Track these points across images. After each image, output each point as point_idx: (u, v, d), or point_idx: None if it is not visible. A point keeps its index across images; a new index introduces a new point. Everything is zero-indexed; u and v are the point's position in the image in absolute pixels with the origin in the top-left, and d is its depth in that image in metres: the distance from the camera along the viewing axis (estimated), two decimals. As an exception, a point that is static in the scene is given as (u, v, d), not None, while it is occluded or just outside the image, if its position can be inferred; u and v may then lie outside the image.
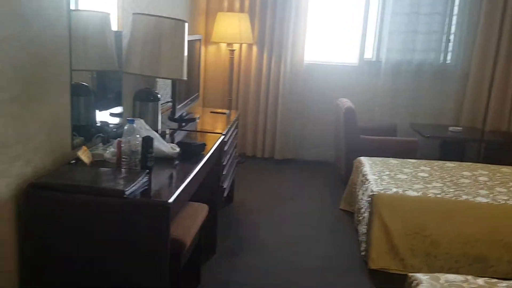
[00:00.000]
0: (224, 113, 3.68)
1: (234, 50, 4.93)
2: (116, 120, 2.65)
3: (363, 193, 3.29)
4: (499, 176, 3.45)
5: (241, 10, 4.99)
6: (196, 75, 3.64)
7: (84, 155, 2.02)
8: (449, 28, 5.05)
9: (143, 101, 2.52)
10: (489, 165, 3.77)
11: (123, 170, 1.94)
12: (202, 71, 5.11)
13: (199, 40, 3.60)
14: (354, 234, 3.44)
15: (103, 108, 2.62)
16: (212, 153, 2.53)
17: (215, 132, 2.99)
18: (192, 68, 3.48)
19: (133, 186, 1.77)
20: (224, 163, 3.07)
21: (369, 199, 3.02)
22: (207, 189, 2.80)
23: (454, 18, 5.02)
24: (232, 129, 3.43)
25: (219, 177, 2.90)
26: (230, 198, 3.85)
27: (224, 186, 3.11)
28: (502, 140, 4.44)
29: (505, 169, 3.68)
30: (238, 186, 4.14)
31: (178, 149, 2.28)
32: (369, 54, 5.27)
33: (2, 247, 1.71)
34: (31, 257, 1.78)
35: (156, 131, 2.51)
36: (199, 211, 2.46)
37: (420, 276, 2.02)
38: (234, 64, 5.05)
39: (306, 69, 5.17)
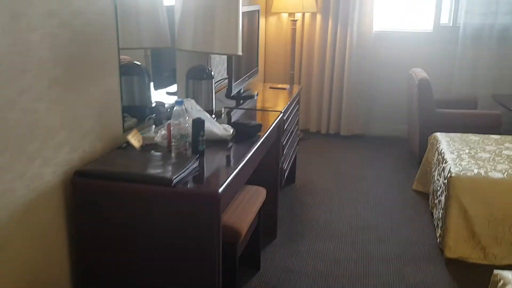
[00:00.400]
0: (284, 88, 3.47)
1: (296, 20, 4.67)
2: (172, 100, 2.54)
3: (440, 174, 2.98)
4: None
5: (303, -23, 4.69)
6: (255, 49, 3.45)
7: (134, 138, 1.92)
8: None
9: (196, 80, 2.38)
10: None
11: (172, 155, 1.82)
12: (262, 44, 4.91)
13: (258, 11, 3.39)
14: (429, 218, 3.15)
15: (158, 87, 2.53)
16: (269, 134, 2.35)
17: (274, 110, 2.80)
18: (250, 42, 3.29)
19: (182, 173, 1.65)
20: (283, 143, 2.88)
21: (447, 181, 2.71)
22: (265, 171, 2.65)
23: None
24: (293, 105, 3.22)
25: (278, 158, 2.72)
26: (292, 178, 3.68)
27: (284, 167, 2.93)
28: None
29: None
30: (300, 165, 3.95)
31: (232, 131, 2.12)
32: (445, 19, 4.78)
33: (52, 235, 1.66)
34: (80, 245, 1.72)
35: (210, 111, 2.38)
36: (257, 195, 2.31)
37: (508, 275, 1.74)
38: (296, 36, 4.79)
39: (375, 38, 4.80)
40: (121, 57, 2.02)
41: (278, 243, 2.81)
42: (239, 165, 1.84)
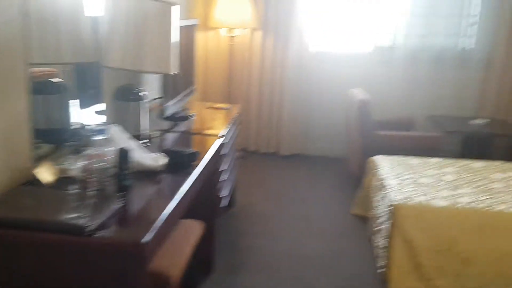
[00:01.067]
0: (224, 108, 3.27)
1: (235, 36, 4.51)
2: (97, 121, 2.25)
3: (381, 201, 2.89)
4: (535, 180, 3.04)
5: (243, -8, 4.55)
6: (191, 66, 3.23)
7: (44, 172, 1.63)
8: (472, 11, 4.58)
9: (123, 101, 2.12)
10: (522, 165, 3.35)
11: (91, 193, 1.55)
12: (202, 60, 4.69)
13: (194, 25, 3.18)
14: (370, 245, 3.05)
15: (85, 105, 2.24)
16: (207, 162, 2.13)
17: (212, 134, 2.58)
18: (187, 59, 3.07)
19: (100, 217, 1.39)
20: (222, 169, 2.67)
21: (389, 209, 2.62)
22: (202, 202, 2.41)
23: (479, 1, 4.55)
24: (233, 127, 3.03)
25: (216, 186, 2.50)
26: (231, 202, 3.47)
27: (223, 196, 2.72)
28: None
29: (540, 169, 3.26)
30: (240, 187, 3.75)
31: (164, 161, 1.88)
32: (384, 40, 4.81)
33: None
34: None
35: (140, 136, 2.12)
36: (192, 231, 2.08)
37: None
38: (236, 52, 4.63)
39: (314, 57, 4.73)
40: (43, 72, 1.74)
41: (215, 278, 2.58)
42: (171, 203, 1.61)
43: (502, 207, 2.55)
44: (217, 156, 2.48)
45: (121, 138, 1.78)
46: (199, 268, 2.47)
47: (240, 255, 2.85)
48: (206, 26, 4.62)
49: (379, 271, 2.69)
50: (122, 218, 1.49)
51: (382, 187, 2.95)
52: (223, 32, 4.67)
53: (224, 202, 2.83)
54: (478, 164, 3.30)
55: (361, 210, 3.48)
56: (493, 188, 2.85)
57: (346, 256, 2.93)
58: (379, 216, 2.88)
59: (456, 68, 4.59)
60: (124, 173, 1.63)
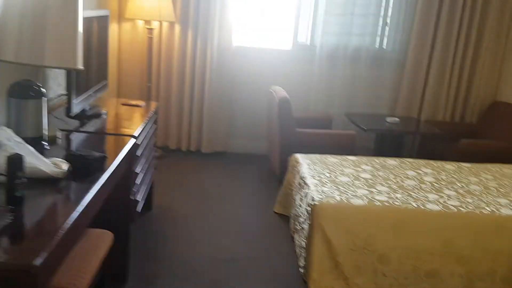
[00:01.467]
0: (139, 106, 3.08)
1: (153, 29, 4.30)
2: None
3: (302, 200, 2.89)
4: (444, 176, 3.19)
5: (161, -18, 4.34)
6: (104, 60, 3.01)
7: None
8: (386, 11, 4.75)
9: (20, 99, 1.89)
10: (431, 161, 3.51)
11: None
12: (115, 53, 4.43)
13: (107, 16, 2.96)
14: (292, 244, 3.03)
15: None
16: (117, 166, 1.96)
17: (124, 134, 2.40)
18: (99, 51, 2.85)
19: (-17, 236, 1.19)
20: (137, 171, 2.51)
21: (309, 209, 2.61)
22: (113, 207, 2.24)
23: (391, 0, 4.71)
24: (149, 126, 2.86)
25: (129, 191, 2.33)
26: (148, 205, 3.30)
27: (138, 199, 2.55)
28: (438, 132, 4.23)
29: (448, 166, 3.44)
30: (159, 188, 3.59)
31: (66, 166, 1.69)
32: (303, 38, 4.85)
33: None
34: None
35: (39, 138, 1.91)
36: (100, 242, 1.90)
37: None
38: (154, 45, 4.42)
39: (235, 53, 4.65)
40: None
41: (129, 289, 2.42)
42: (72, 214, 1.44)
43: (415, 204, 2.64)
44: (131, 157, 2.31)
45: (13, 142, 1.57)
46: (112, 279, 2.30)
47: (158, 262, 2.70)
48: (122, 16, 4.37)
49: (300, 270, 2.68)
50: (12, 236, 1.30)
51: (302, 186, 2.94)
52: (141, 24, 4.44)
53: (140, 206, 2.66)
54: (392, 161, 3.41)
55: (283, 208, 3.47)
56: (406, 185, 2.94)
57: (270, 257, 2.89)
58: (300, 215, 2.86)
59: (372, 67, 4.74)
60: (16, 183, 1.43)
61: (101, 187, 1.72)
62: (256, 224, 3.33)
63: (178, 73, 4.56)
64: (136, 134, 2.38)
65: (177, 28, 4.46)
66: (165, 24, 4.45)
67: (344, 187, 2.80)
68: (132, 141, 2.30)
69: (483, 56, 4.63)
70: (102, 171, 1.81)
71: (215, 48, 4.51)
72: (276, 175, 4.08)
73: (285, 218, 3.38)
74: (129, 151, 2.21)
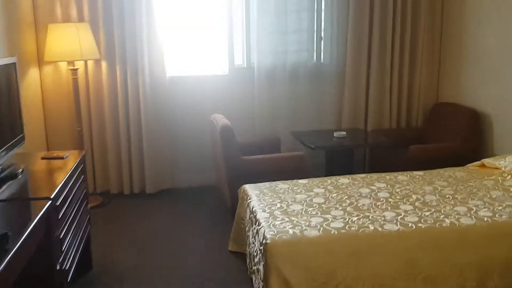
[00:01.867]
0: (62, 158, 2.76)
1: (77, 69, 4.00)
2: None
3: (254, 237, 2.66)
4: (398, 188, 3.06)
5: (80, 19, 4.07)
6: (16, 112, 2.69)
7: None
8: (319, 25, 4.67)
9: None
10: (383, 174, 3.38)
11: None
12: (38, 101, 4.07)
13: (13, 64, 2.66)
14: (251, 287, 2.79)
15: None
16: (25, 240, 1.67)
17: (37, 197, 2.10)
18: (9, 103, 2.54)
19: None
20: (61, 236, 2.20)
21: (262, 248, 2.39)
22: (36, 285, 1.93)
23: (323, 14, 4.64)
24: (73, 180, 2.55)
25: (53, 260, 2.03)
26: (87, 265, 2.97)
27: (67, 267, 2.24)
28: (386, 141, 4.14)
29: (401, 176, 3.32)
30: (99, 241, 3.26)
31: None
32: (239, 61, 4.68)
33: None
34: None
35: None
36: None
37: None
38: (80, 86, 4.11)
39: (170, 84, 4.42)
40: None
41: None
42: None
43: (373, 227, 2.47)
44: (50, 222, 2.01)
45: None
46: None
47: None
48: (41, 60, 4.04)
49: (260, 317, 2.44)
50: None
51: (254, 221, 2.72)
52: (64, 65, 4.12)
53: (70, 275, 2.34)
54: (344, 180, 3.25)
55: (238, 246, 3.23)
56: (361, 205, 2.78)
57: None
58: (255, 255, 2.63)
59: (312, 82, 4.62)
60: None
61: (3, 270, 1.43)
62: (211, 268, 3.06)
63: (111, 112, 4.27)
64: (53, 195, 2.08)
65: (103, 65, 4.18)
66: (90, 63, 4.16)
67: (297, 218, 2.60)
68: (49, 204, 2.01)
69: (420, 59, 4.62)
70: (5, 252, 1.52)
71: (148, 81, 4.26)
72: (228, 207, 3.84)
73: (242, 256, 3.14)
74: (45, 216, 1.91)
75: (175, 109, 4.49)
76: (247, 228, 2.97)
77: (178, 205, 4.18)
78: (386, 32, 4.50)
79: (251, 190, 3.09)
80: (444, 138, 4.29)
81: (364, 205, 2.79)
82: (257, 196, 2.96)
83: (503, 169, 3.24)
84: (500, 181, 3.13)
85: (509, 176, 3.14)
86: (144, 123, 4.29)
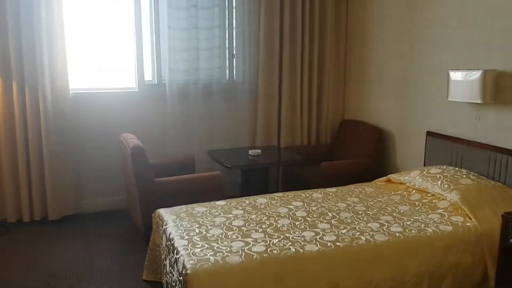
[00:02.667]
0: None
1: (-35, 85, 3.58)
2: None
3: (172, 266, 2.53)
4: (314, 206, 3.11)
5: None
6: None
7: None
8: (231, 43, 4.67)
9: None
10: (299, 192, 3.43)
11: None
12: None
13: None
14: (168, 318, 2.65)
15: None
16: None
17: None
18: None
19: None
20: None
21: (182, 278, 2.27)
22: None
23: (234, 32, 4.65)
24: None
25: None
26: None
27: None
28: (299, 159, 4.22)
29: (315, 194, 3.39)
30: (-6, 282, 2.91)
31: None
32: (149, 76, 4.52)
33: None
34: None
35: None
36: None
37: None
38: (-32, 105, 3.69)
39: (74, 101, 4.14)
40: None
41: None
42: None
43: (293, 249, 2.47)
44: None
45: None
46: None
47: None
48: None
49: None
50: None
51: (172, 249, 2.59)
52: None
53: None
54: (261, 199, 3.24)
55: (154, 274, 3.07)
56: (281, 226, 2.78)
57: None
58: (173, 285, 2.50)
59: (226, 100, 4.61)
60: None
61: None
62: (124, 300, 2.87)
63: (7, 134, 3.89)
64: None
65: (-3, 83, 3.79)
66: (-19, 79, 3.76)
67: (218, 243, 2.52)
68: None
69: (327, 78, 4.81)
70: None
71: (49, 98, 3.94)
72: (141, 233, 3.65)
73: (158, 286, 2.98)
74: None
75: (80, 128, 4.21)
76: (163, 256, 2.82)
77: (85, 232, 3.88)
78: (296, 51, 4.62)
79: (167, 215, 2.95)
80: (352, 154, 4.49)
81: (283, 225, 2.79)
82: (174, 222, 2.83)
83: (408, 184, 3.44)
84: (406, 195, 3.32)
85: (414, 191, 3.35)
86: (45, 144, 3.95)
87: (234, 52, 4.68)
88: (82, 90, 4.23)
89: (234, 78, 4.72)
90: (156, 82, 4.52)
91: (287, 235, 2.65)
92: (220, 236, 2.63)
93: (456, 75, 3.37)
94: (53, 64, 3.93)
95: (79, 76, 4.22)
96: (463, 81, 3.29)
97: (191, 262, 2.31)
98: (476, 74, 3.18)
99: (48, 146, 3.96)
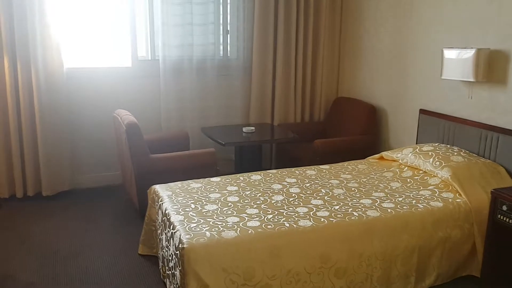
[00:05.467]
0: None
1: (-44, 60, 3.54)
2: None
3: (169, 241, 2.57)
4: (308, 183, 3.16)
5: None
6: None
7: None
8: (226, 19, 4.63)
9: None
10: (293, 169, 3.47)
11: None
12: None
13: None
14: (164, 291, 2.70)
15: None
16: None
17: None
18: None
19: None
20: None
21: (179, 252, 2.32)
22: None
23: (229, 7, 4.60)
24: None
25: None
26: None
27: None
28: (293, 136, 4.24)
29: (309, 171, 3.43)
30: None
31: None
32: (143, 53, 4.48)
33: None
34: None
35: None
36: None
37: None
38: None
39: (69, 77, 4.12)
40: None
41: None
42: None
43: (288, 224, 2.51)
44: None
45: None
46: None
47: None
48: None
49: (178, 323, 2.37)
50: None
51: (168, 224, 2.63)
52: None
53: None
54: (256, 176, 3.27)
55: (149, 248, 3.12)
56: (275, 202, 2.82)
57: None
58: (170, 259, 2.55)
59: (220, 76, 4.59)
60: None
61: None
62: (122, 274, 2.90)
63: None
64: None
65: (-12, 56, 3.75)
66: (-28, 53, 3.71)
67: (213, 218, 2.56)
68: None
69: (321, 55, 4.79)
70: None
71: (42, 73, 3.91)
72: (136, 209, 3.68)
73: (153, 260, 3.03)
74: None
75: (74, 103, 4.19)
76: (159, 231, 2.86)
77: (80, 208, 3.91)
78: (290, 27, 4.60)
79: (162, 191, 2.98)
80: (345, 131, 4.52)
81: (277, 201, 2.83)
82: (169, 197, 2.87)
83: (400, 161, 3.48)
84: (398, 172, 3.37)
85: (406, 168, 3.40)
86: (39, 119, 3.93)
87: (229, 28, 4.64)
88: (76, 66, 4.19)
89: (228, 55, 4.70)
90: (149, 58, 4.50)
91: (281, 211, 2.69)
92: (216, 211, 2.66)
93: (450, 53, 3.38)
94: (45, 38, 3.88)
95: (73, 52, 4.18)
96: (457, 59, 3.31)
97: (188, 236, 2.35)
98: (469, 53, 3.20)
99: (41, 121, 3.95)
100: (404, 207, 2.76)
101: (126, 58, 4.38)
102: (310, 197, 2.91)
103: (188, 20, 4.36)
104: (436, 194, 2.95)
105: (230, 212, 2.66)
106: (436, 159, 3.22)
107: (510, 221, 2.59)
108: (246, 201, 2.82)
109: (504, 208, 2.63)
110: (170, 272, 2.55)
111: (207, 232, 2.39)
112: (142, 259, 3.08)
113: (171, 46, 4.36)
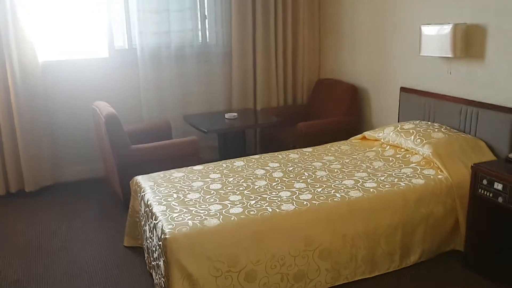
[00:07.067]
0: None
1: None
2: None
3: (152, 232, 2.55)
4: (291, 167, 3.15)
5: None
6: None
7: None
8: (202, 4, 4.55)
9: None
10: (276, 153, 3.45)
11: None
12: None
13: None
14: (151, 282, 2.69)
15: None
16: None
17: None
18: None
19: None
20: None
21: (161, 243, 2.30)
22: None
23: (205, -9, 4.54)
24: None
25: None
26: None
27: None
28: (276, 120, 4.22)
29: (292, 154, 3.42)
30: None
31: None
32: (120, 42, 4.40)
33: None
34: None
35: None
36: None
37: None
38: None
39: (44, 70, 4.04)
40: None
41: None
42: None
43: (270, 209, 2.51)
44: None
45: None
46: None
47: None
48: None
49: (165, 312, 2.37)
50: None
51: (150, 215, 2.61)
52: None
53: None
54: (239, 162, 3.26)
55: (134, 240, 3.10)
56: (258, 187, 2.81)
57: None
58: (154, 250, 2.54)
59: (199, 63, 4.54)
60: None
61: None
62: (108, 266, 2.89)
63: (-26, 105, 3.78)
64: None
65: (-41, 52, 3.66)
66: None
67: (196, 207, 2.55)
68: None
69: (301, 36, 4.75)
70: None
71: (17, 67, 3.82)
72: (120, 201, 3.66)
73: (139, 251, 3.02)
74: None
75: (51, 97, 4.12)
76: (143, 222, 2.84)
77: (64, 202, 3.87)
78: (269, 9, 4.54)
79: (144, 182, 2.95)
80: (328, 113, 4.51)
81: (260, 187, 2.82)
82: (151, 188, 2.84)
83: (382, 140, 3.49)
84: (381, 152, 3.37)
85: (388, 147, 3.40)
86: (16, 115, 3.87)
87: (206, 13, 4.58)
88: (52, 59, 4.11)
89: (207, 41, 4.64)
90: (127, 48, 4.42)
91: (264, 196, 2.68)
92: (198, 200, 2.65)
93: (428, 30, 3.37)
94: (18, 32, 3.79)
95: (48, 45, 4.09)
96: (435, 35, 3.30)
97: (170, 226, 2.33)
98: (447, 29, 3.19)
99: (19, 117, 3.87)
100: (386, 186, 2.77)
101: (103, 48, 4.30)
102: (293, 181, 2.90)
103: (165, 6, 4.29)
104: (417, 172, 2.97)
105: (212, 200, 2.65)
106: (417, 137, 3.22)
107: (491, 194, 2.61)
108: (229, 188, 2.81)
109: (485, 182, 2.65)
110: (155, 263, 2.54)
111: (189, 221, 2.38)
112: (128, 251, 3.07)
113: (148, 34, 4.28)
